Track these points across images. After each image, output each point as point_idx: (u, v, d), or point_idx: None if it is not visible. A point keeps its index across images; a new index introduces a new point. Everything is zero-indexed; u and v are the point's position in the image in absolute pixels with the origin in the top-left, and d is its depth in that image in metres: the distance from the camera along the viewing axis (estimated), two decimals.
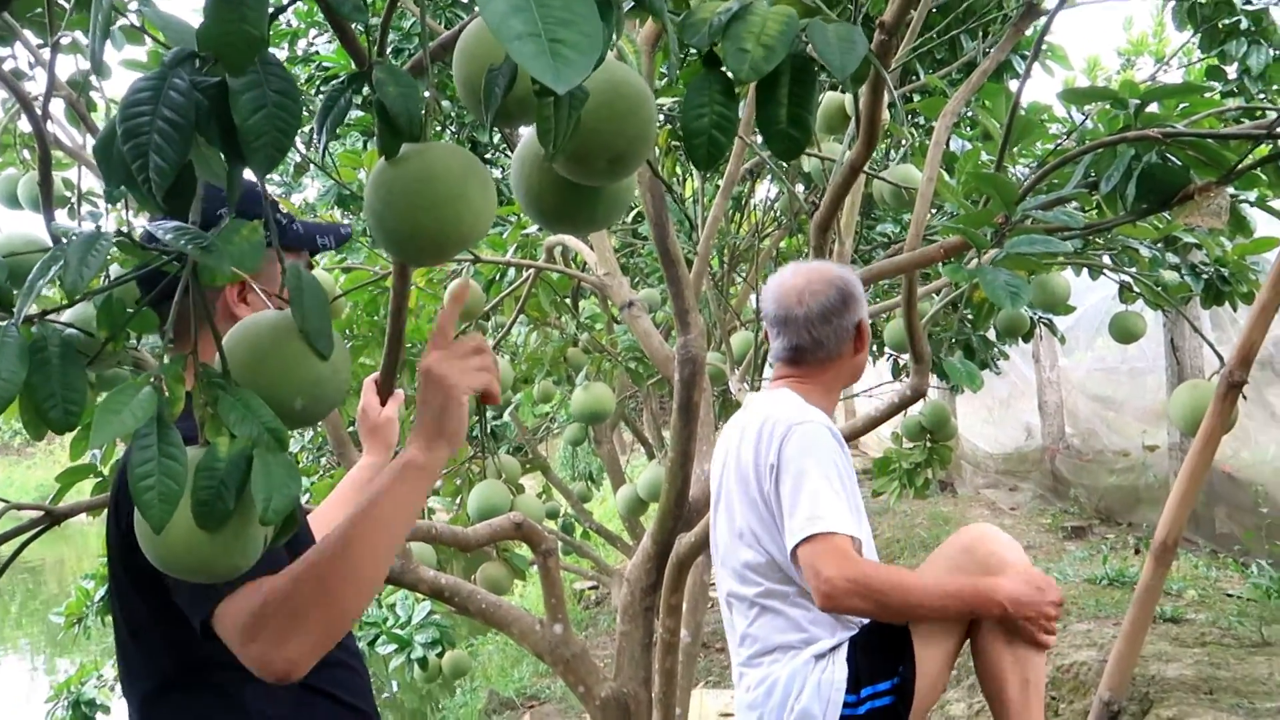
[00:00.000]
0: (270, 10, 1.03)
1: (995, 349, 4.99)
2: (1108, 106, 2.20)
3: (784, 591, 2.24)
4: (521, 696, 7.08)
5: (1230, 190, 2.14)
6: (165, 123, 0.97)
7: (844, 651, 2.20)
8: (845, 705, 2.15)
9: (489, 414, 6.24)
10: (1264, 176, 2.17)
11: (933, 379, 5.47)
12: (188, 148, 0.98)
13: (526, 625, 3.27)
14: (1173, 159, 2.00)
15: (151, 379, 1.04)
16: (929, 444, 4.92)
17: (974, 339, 4.83)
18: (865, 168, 3.41)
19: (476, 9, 0.77)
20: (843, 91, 3.14)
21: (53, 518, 2.43)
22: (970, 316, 4.45)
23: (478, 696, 7.52)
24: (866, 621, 2.25)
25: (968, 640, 2.26)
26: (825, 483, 2.17)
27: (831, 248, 3.46)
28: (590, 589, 9.81)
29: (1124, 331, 3.85)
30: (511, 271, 4.29)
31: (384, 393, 2.21)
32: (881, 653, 2.19)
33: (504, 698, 7.10)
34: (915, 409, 4.81)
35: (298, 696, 1.64)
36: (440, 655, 5.53)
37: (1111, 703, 2.41)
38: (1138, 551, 6.20)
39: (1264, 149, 2.15)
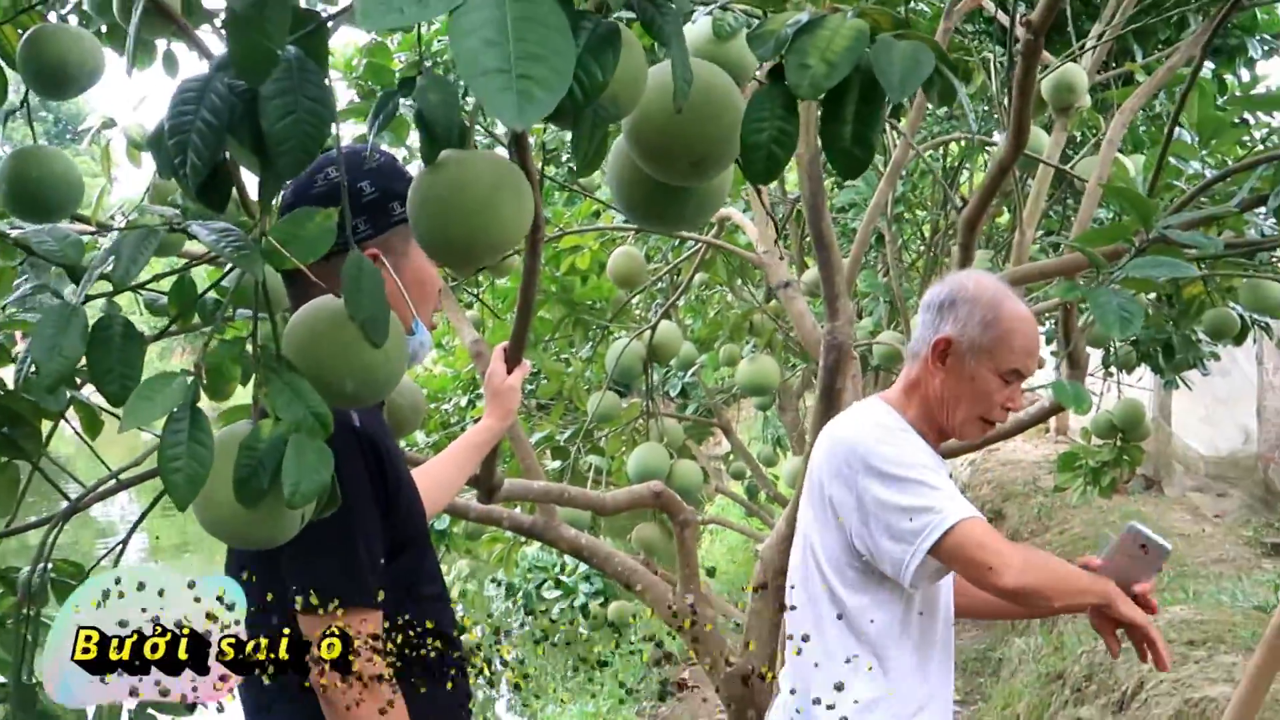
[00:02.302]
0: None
1: (1201, 349, 4.70)
2: None
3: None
4: (684, 654, 7.16)
5: None
6: (203, 123, 1.02)
7: None
8: None
9: (676, 374, 6.26)
10: None
11: (1145, 373, 5.21)
12: (221, 147, 1.02)
13: (659, 593, 3.31)
14: None
15: (189, 369, 1.10)
16: (1119, 443, 4.73)
17: (1175, 338, 4.57)
18: (1052, 155, 3.25)
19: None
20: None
21: None
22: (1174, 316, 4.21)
23: (647, 647, 7.66)
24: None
25: None
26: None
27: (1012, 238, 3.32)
28: None
29: None
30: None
31: (511, 362, 2.26)
32: None
33: (668, 651, 7.20)
34: (1108, 405, 4.61)
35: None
36: (604, 605, 5.68)
37: None
38: None
39: None
